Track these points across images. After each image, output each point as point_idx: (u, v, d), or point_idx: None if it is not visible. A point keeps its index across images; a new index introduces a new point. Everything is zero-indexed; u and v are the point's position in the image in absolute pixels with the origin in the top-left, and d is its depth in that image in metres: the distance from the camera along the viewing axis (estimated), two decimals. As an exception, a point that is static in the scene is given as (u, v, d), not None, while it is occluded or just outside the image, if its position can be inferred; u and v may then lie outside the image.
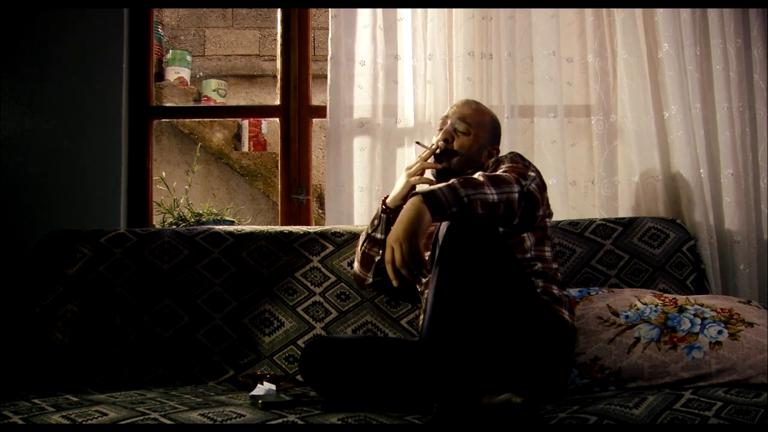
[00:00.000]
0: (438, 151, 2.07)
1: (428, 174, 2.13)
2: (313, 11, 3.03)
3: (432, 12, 2.72)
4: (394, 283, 1.60)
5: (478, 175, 1.70)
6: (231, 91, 5.44)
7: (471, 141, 2.07)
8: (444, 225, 1.63)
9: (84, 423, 1.59)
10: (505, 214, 1.69)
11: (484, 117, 2.13)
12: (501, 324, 1.66)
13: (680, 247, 2.42)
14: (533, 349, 1.77)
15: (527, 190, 1.73)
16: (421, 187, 1.79)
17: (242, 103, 5.50)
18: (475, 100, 2.24)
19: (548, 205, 2.00)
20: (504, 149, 2.62)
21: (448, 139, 2.07)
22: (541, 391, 1.76)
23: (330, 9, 2.79)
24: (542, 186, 1.87)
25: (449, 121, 2.11)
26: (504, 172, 1.80)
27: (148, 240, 2.44)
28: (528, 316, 1.76)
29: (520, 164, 1.91)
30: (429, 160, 2.08)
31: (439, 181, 2.02)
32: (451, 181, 1.66)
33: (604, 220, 2.51)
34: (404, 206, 1.63)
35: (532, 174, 1.82)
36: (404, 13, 2.76)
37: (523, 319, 1.74)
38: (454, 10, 2.74)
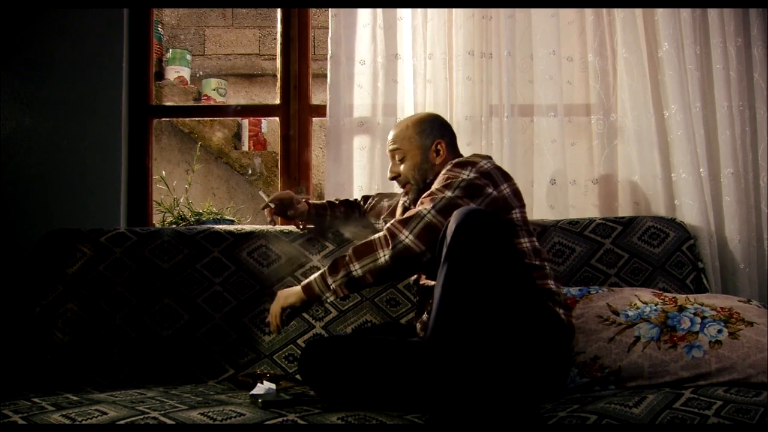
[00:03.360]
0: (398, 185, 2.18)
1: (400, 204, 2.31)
2: (312, 10, 3.03)
3: (432, 11, 2.72)
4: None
5: (348, 251, 1.87)
6: (231, 91, 5.44)
7: (408, 160, 2.11)
8: (452, 222, 1.63)
9: (84, 422, 1.59)
10: (378, 280, 1.86)
11: (407, 130, 2.13)
12: (503, 323, 1.66)
13: (680, 246, 2.42)
14: (529, 347, 1.77)
15: (397, 248, 1.81)
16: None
17: (242, 102, 5.49)
18: (407, 116, 2.27)
19: (518, 197, 1.98)
20: (504, 148, 2.64)
21: (394, 177, 2.15)
22: (540, 389, 1.76)
23: (330, 8, 2.79)
24: (476, 191, 1.89)
25: (389, 156, 2.18)
26: (426, 197, 1.90)
27: (148, 239, 2.44)
28: (525, 314, 1.76)
29: (455, 171, 1.92)
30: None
31: (414, 199, 2.14)
32: (322, 270, 1.89)
33: (603, 219, 2.51)
34: (288, 289, 1.96)
35: (458, 180, 1.88)
36: (404, 13, 2.76)
37: (521, 318, 1.74)
38: (454, 9, 2.73)
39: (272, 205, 2.39)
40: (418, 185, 2.10)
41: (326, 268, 1.88)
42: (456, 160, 1.98)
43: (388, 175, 2.16)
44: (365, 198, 2.55)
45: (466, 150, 2.67)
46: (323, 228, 2.51)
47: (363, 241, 1.87)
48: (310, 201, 2.47)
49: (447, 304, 1.58)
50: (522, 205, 1.98)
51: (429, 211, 1.83)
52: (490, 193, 1.89)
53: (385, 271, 1.83)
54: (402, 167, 2.11)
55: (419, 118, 2.16)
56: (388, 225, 1.86)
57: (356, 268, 1.83)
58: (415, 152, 2.09)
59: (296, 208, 2.41)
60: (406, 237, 1.81)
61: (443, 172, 1.95)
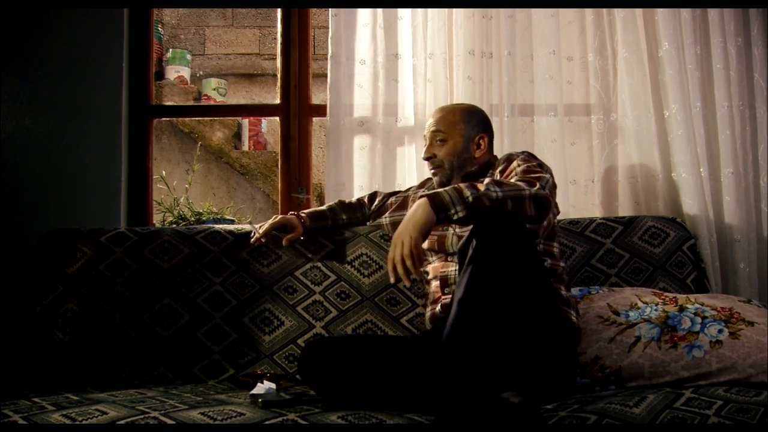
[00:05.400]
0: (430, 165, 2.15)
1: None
2: (312, 10, 3.02)
3: (432, 10, 2.72)
4: (391, 278, 1.67)
5: (485, 181, 1.75)
6: (231, 90, 5.43)
7: (450, 144, 2.09)
8: (476, 226, 1.65)
9: (84, 422, 1.59)
10: (515, 209, 1.72)
11: (453, 115, 2.13)
12: (520, 329, 1.65)
13: (680, 246, 2.42)
14: (543, 349, 1.77)
15: (535, 193, 1.75)
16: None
17: (242, 101, 5.49)
18: (451, 103, 2.28)
19: (556, 204, 2.00)
20: (505, 148, 2.63)
21: (430, 157, 2.12)
22: (548, 391, 1.76)
23: (330, 8, 2.79)
24: (553, 186, 1.91)
25: (427, 137, 2.15)
26: (516, 177, 1.85)
27: (149, 239, 2.44)
28: (542, 318, 1.75)
29: (533, 163, 1.94)
30: None
31: (443, 181, 2.12)
32: (456, 185, 1.74)
33: (604, 218, 2.51)
34: (411, 207, 1.73)
35: (546, 176, 1.87)
36: (404, 12, 2.76)
37: (538, 321, 1.74)
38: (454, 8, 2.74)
39: (264, 240, 2.36)
40: (452, 170, 2.09)
41: (459, 185, 1.73)
42: (523, 153, 2.02)
43: (423, 154, 2.13)
44: (372, 196, 2.51)
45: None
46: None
47: (498, 180, 1.78)
48: (305, 220, 2.38)
49: (468, 308, 1.57)
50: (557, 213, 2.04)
51: (546, 180, 1.85)
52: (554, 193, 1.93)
53: (524, 203, 1.73)
54: (440, 150, 2.10)
55: (468, 108, 2.17)
56: (515, 179, 1.82)
57: (497, 190, 1.71)
58: (458, 139, 2.09)
59: (291, 237, 2.35)
60: (544, 189, 1.79)
61: (516, 158, 1.98)
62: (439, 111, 2.16)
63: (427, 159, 2.13)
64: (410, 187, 2.45)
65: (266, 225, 2.35)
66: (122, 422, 1.58)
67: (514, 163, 1.96)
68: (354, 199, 2.53)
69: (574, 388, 1.91)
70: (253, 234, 2.38)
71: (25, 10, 2.78)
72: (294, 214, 2.38)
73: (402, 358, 1.81)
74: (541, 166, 1.94)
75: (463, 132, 2.10)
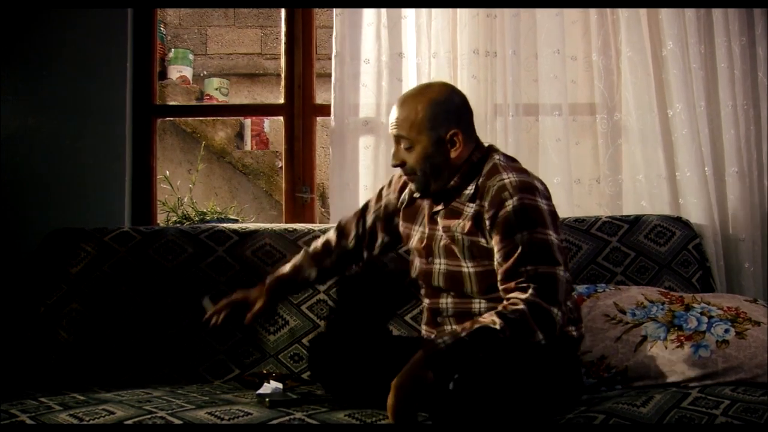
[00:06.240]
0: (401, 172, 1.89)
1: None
2: (316, 10, 3.02)
3: (436, 10, 2.71)
4: None
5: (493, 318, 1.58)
6: (233, 90, 5.44)
7: (418, 150, 1.76)
8: None
9: (91, 422, 1.59)
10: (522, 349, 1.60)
11: (415, 113, 1.75)
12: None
13: (686, 245, 2.42)
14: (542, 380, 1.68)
15: (553, 330, 1.61)
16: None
17: (244, 101, 5.49)
18: (415, 88, 1.89)
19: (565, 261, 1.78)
20: (510, 148, 2.63)
21: (399, 164, 1.82)
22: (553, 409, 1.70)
23: (334, 8, 2.78)
24: (556, 220, 1.75)
25: (392, 137, 1.84)
26: (523, 283, 1.63)
27: (153, 238, 2.43)
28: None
29: (539, 236, 1.67)
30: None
31: (423, 196, 1.88)
32: (460, 335, 1.57)
33: (610, 217, 2.51)
34: (409, 362, 1.55)
35: (559, 271, 1.65)
36: (408, 11, 2.74)
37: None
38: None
39: (219, 323, 2.03)
40: (426, 177, 1.79)
41: (463, 333, 1.57)
42: (519, 203, 1.69)
43: (392, 161, 1.83)
44: (363, 212, 2.08)
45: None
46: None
47: (512, 311, 1.58)
48: (269, 286, 2.06)
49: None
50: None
51: (556, 269, 1.65)
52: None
53: (536, 347, 1.60)
54: (410, 156, 1.78)
55: (432, 99, 1.76)
56: (531, 300, 1.59)
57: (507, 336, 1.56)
58: (425, 142, 1.75)
59: (255, 311, 2.03)
60: (557, 314, 1.61)
61: (508, 191, 1.69)
62: (398, 107, 1.79)
63: (396, 166, 1.84)
64: (399, 186, 2.02)
65: (221, 303, 2.05)
66: (130, 422, 1.58)
67: (517, 237, 1.66)
68: (331, 233, 2.12)
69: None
70: (207, 312, 2.05)
71: (30, 10, 2.77)
72: (262, 284, 2.07)
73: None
74: (531, 192, 1.71)
75: (431, 133, 1.75)
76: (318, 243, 2.11)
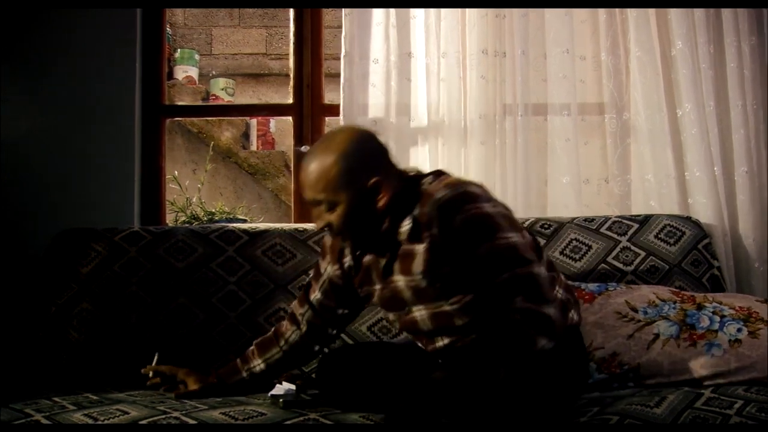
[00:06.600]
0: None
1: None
2: (325, 9, 3.02)
3: (445, 9, 2.72)
4: None
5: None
6: (238, 90, 5.44)
7: (342, 208, 1.64)
8: None
9: (106, 422, 1.59)
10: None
11: (329, 172, 1.61)
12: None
13: (696, 245, 2.42)
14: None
15: (544, 344, 1.52)
16: None
17: (249, 101, 5.48)
18: (317, 147, 1.72)
19: (536, 247, 1.71)
20: (518, 147, 2.64)
21: (324, 227, 1.70)
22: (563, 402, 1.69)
23: (343, 8, 2.78)
24: (510, 220, 1.64)
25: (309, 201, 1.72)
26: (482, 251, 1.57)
27: (163, 238, 2.43)
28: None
29: (500, 237, 1.58)
30: None
31: (355, 248, 1.78)
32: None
33: (619, 217, 2.51)
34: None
35: (529, 258, 1.58)
36: (417, 11, 2.75)
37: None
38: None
39: (152, 380, 1.96)
40: (356, 233, 1.69)
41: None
42: (449, 194, 1.59)
43: (315, 226, 1.70)
44: (307, 288, 1.94)
45: (479, 150, 2.67)
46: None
47: (507, 334, 1.52)
48: (211, 377, 1.96)
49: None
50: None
51: (532, 267, 1.56)
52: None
53: (544, 353, 1.53)
54: (333, 216, 1.65)
55: (341, 154, 1.62)
56: (521, 308, 1.52)
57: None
58: (346, 200, 1.62)
59: (180, 393, 1.89)
60: (552, 312, 1.54)
61: (449, 209, 1.58)
62: (307, 168, 1.65)
63: (321, 229, 1.72)
64: (336, 255, 1.86)
65: (164, 367, 1.98)
66: (144, 422, 1.58)
67: (480, 251, 1.57)
68: (283, 323, 1.98)
69: (593, 383, 1.91)
70: (152, 362, 2.02)
71: (39, 9, 2.77)
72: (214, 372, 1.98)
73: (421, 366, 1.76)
74: (501, 229, 1.58)
75: (350, 188, 1.61)
76: (280, 324, 1.98)
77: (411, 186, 1.69)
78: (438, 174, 1.72)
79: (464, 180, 1.68)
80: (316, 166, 1.63)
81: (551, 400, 1.62)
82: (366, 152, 1.65)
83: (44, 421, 1.58)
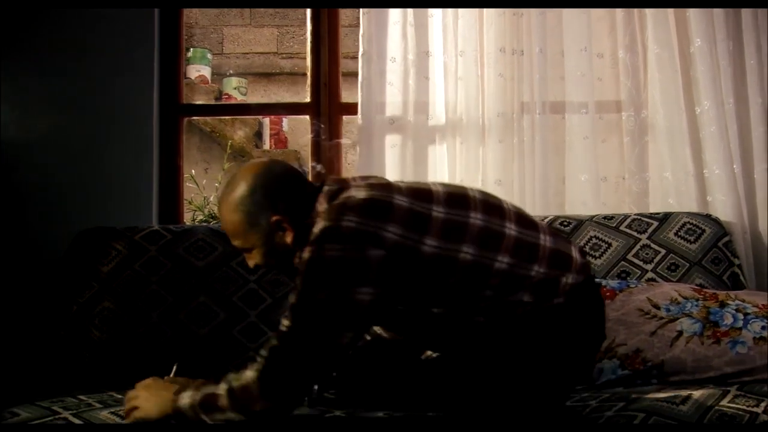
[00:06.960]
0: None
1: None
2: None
3: (462, 8, 2.72)
4: None
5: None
6: (249, 89, 5.45)
7: (257, 251, 1.63)
8: None
9: (134, 419, 1.60)
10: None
11: (232, 220, 1.60)
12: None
13: (716, 243, 2.41)
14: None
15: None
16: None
17: (261, 100, 5.49)
18: (220, 196, 1.70)
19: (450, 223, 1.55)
20: (536, 145, 2.64)
21: (256, 267, 1.70)
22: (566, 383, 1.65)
23: (360, 8, 2.78)
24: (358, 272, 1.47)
25: None
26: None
27: (183, 237, 2.44)
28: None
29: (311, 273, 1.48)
30: None
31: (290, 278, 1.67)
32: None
33: (639, 214, 2.50)
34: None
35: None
36: (434, 10, 2.75)
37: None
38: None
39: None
40: (285, 266, 1.66)
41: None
42: (320, 226, 1.50)
43: (250, 264, 1.70)
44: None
45: (497, 148, 2.68)
46: None
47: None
48: None
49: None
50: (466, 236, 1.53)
51: (306, 333, 1.47)
52: (377, 255, 1.46)
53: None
54: (255, 257, 1.65)
55: (237, 201, 1.59)
56: (262, 359, 1.50)
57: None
58: (257, 242, 1.61)
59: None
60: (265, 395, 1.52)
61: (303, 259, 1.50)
62: (221, 219, 1.67)
63: (256, 268, 1.72)
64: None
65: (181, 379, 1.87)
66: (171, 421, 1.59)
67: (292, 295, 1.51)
68: None
69: (616, 379, 1.91)
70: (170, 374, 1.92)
71: (58, 10, 2.79)
72: None
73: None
74: (323, 281, 1.47)
75: (255, 231, 1.60)
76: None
77: (309, 214, 1.60)
78: (340, 188, 1.60)
79: (352, 202, 1.52)
80: (222, 215, 1.64)
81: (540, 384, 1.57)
82: (261, 195, 1.59)
83: (72, 419, 1.59)
